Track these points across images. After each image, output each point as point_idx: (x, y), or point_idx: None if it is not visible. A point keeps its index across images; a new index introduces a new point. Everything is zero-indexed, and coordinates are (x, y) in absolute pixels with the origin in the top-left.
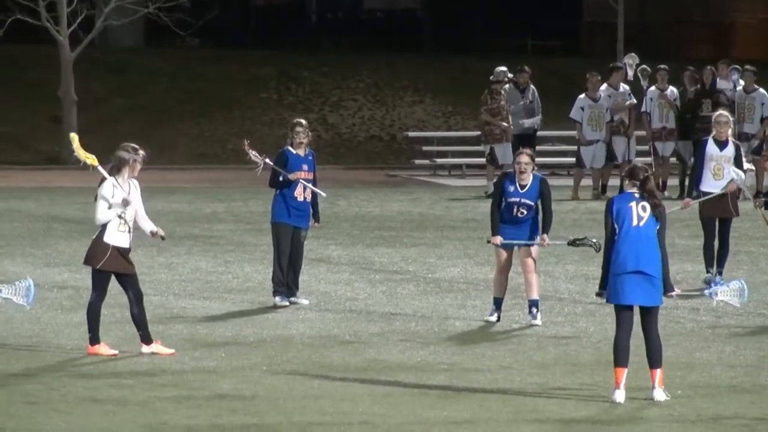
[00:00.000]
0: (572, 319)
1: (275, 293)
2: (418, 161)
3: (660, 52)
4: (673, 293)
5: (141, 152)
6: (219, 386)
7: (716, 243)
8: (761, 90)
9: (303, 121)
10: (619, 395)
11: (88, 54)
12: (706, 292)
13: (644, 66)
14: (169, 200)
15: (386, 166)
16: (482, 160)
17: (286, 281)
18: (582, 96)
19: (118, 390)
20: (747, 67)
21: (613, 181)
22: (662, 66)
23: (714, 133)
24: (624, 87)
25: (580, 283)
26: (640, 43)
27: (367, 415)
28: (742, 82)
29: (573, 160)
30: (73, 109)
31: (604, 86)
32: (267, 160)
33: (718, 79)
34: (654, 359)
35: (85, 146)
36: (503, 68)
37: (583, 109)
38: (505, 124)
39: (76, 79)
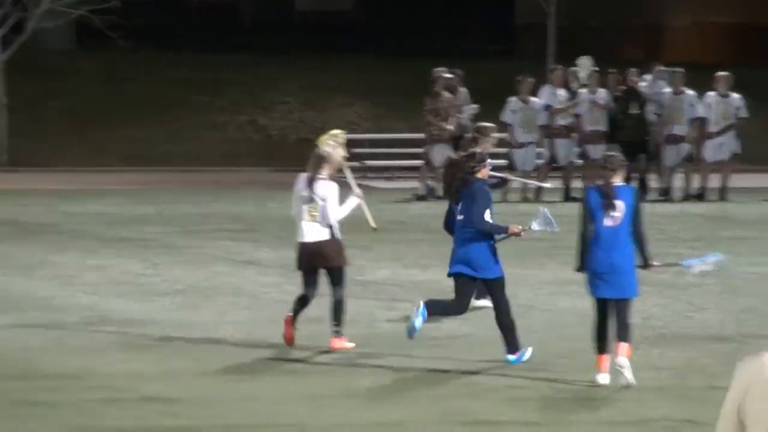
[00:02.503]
0: None
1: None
2: (348, 164)
3: (592, 55)
4: (653, 266)
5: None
6: (147, 389)
7: None
8: (690, 92)
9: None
10: (603, 378)
11: (20, 57)
12: (684, 263)
13: (576, 68)
14: (99, 202)
15: None
16: (413, 162)
17: None
18: (514, 98)
19: (47, 392)
20: (676, 69)
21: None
22: (594, 69)
23: None
24: (563, 90)
25: (513, 284)
26: (573, 46)
27: (296, 417)
28: (665, 87)
29: (505, 162)
30: (3, 111)
31: (547, 87)
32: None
33: (650, 81)
34: (621, 334)
35: (16, 147)
36: (440, 69)
37: (514, 111)
38: (443, 124)
39: (7, 82)
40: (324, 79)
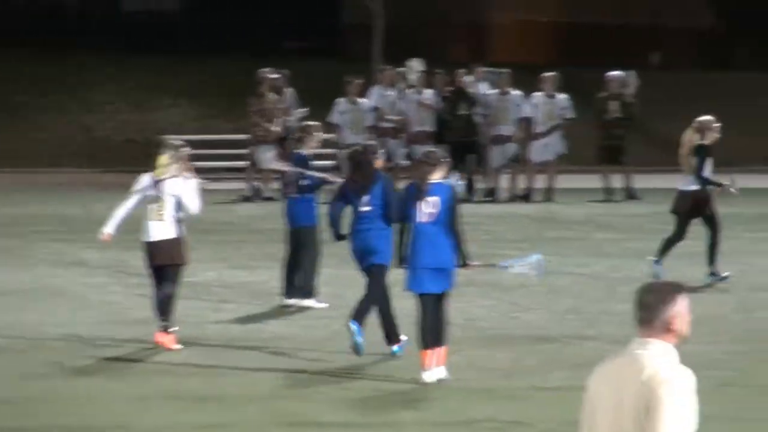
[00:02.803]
0: (327, 323)
1: (313, 297)
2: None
3: (419, 55)
4: (472, 266)
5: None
6: None
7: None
8: (516, 92)
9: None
10: (428, 376)
11: None
12: (501, 264)
13: (404, 69)
14: None
15: (143, 170)
16: (239, 164)
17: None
18: (342, 99)
19: None
20: (502, 70)
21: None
22: (421, 69)
23: (704, 137)
24: (392, 91)
25: (337, 286)
26: (400, 46)
27: (122, 418)
28: (486, 86)
29: (333, 162)
30: None
31: (376, 88)
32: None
33: (473, 82)
34: (436, 338)
35: None
36: (266, 69)
37: (343, 113)
38: (269, 125)
39: None
40: (150, 80)
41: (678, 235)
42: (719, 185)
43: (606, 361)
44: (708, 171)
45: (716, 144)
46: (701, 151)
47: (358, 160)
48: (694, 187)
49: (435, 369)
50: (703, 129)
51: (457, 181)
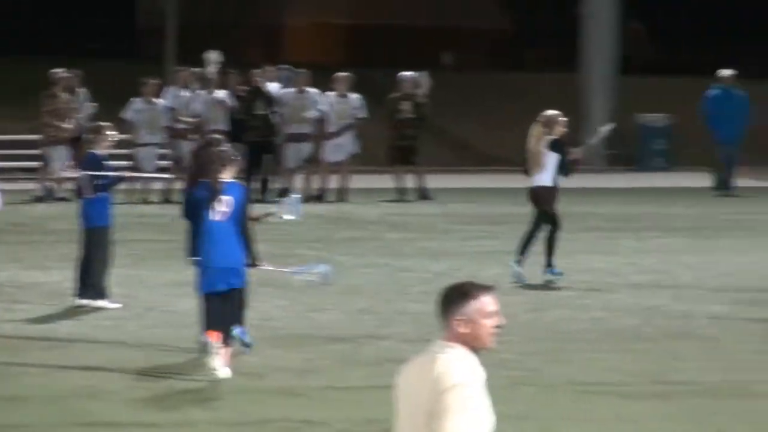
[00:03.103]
0: (120, 323)
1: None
2: None
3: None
4: (261, 266)
5: None
6: None
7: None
8: (312, 90)
9: None
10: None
11: None
12: (290, 270)
13: (197, 69)
14: None
15: None
16: (31, 164)
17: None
18: (138, 99)
19: None
20: (299, 70)
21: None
22: (219, 60)
23: (552, 131)
24: (187, 91)
25: (130, 286)
26: (195, 47)
27: None
28: (277, 86)
29: (130, 162)
30: None
31: (171, 89)
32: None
33: (266, 82)
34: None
35: None
36: (59, 70)
37: (138, 111)
38: (62, 125)
39: None
40: None
41: (554, 228)
42: (578, 159)
43: (411, 360)
44: (554, 163)
45: (564, 137)
46: (557, 146)
47: (200, 156)
48: (542, 183)
49: (223, 367)
50: (550, 123)
51: (295, 199)
